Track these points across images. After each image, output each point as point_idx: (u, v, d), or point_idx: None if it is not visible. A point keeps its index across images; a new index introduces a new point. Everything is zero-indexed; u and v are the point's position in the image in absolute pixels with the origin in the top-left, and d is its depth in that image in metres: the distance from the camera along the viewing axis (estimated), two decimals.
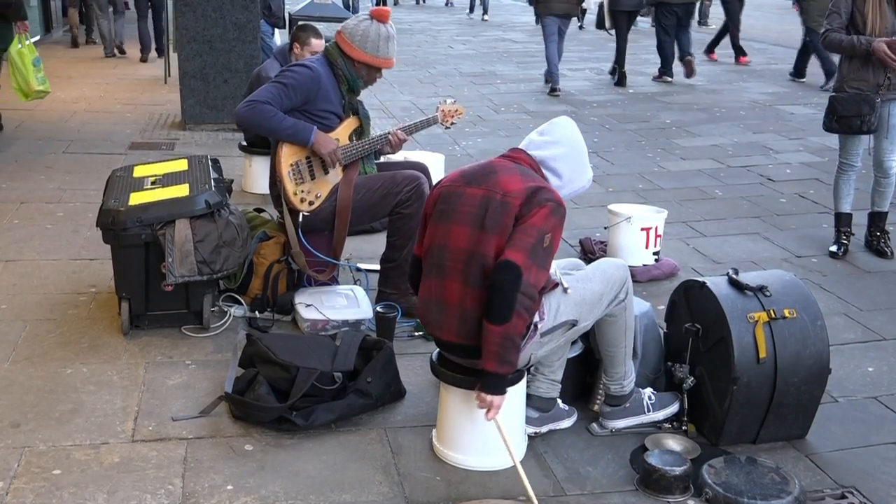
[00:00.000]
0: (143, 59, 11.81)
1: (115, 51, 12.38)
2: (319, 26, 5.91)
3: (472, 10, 19.83)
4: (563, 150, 2.98)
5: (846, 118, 4.89)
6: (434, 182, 4.28)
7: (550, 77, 10.46)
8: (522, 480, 2.77)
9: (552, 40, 10.25)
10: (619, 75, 10.99)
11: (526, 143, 3.04)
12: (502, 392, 2.85)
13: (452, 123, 4.51)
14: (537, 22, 11.36)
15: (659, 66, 11.25)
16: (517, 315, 2.72)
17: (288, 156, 3.93)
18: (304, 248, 4.04)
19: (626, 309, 3.14)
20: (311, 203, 4.00)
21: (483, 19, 19.04)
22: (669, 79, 11.12)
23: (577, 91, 10.62)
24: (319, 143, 3.92)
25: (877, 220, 5.24)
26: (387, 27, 4.02)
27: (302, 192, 3.97)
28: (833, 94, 5.02)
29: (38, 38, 13.07)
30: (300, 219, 4.01)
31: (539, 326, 2.93)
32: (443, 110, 4.49)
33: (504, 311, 2.73)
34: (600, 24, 11.24)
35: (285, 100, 3.86)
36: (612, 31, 10.84)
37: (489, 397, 2.83)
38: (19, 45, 6.79)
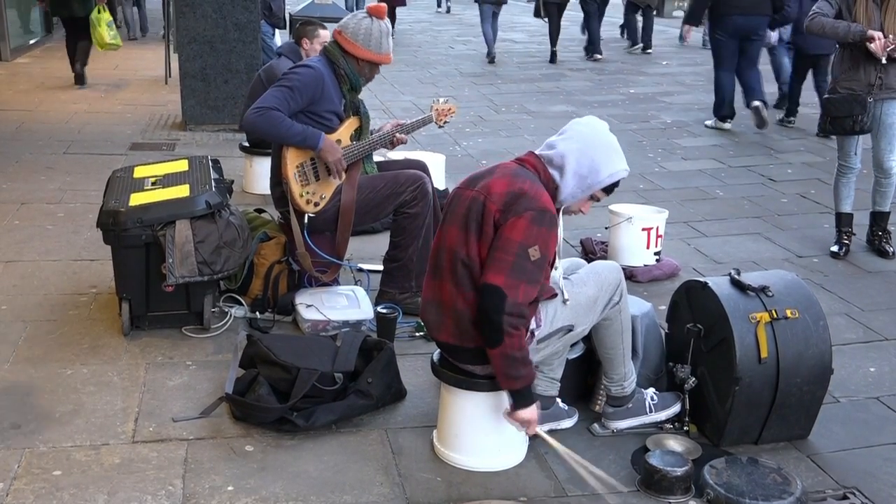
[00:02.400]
0: None
1: (139, 33, 14.61)
2: None
3: (439, 4, 20.33)
4: (571, 145, 2.90)
5: (839, 119, 4.90)
6: (434, 181, 4.31)
7: (488, 48, 12.93)
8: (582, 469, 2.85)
9: (487, 21, 12.82)
10: (550, 54, 12.89)
11: (542, 146, 3.00)
12: (529, 403, 2.86)
13: (445, 122, 4.56)
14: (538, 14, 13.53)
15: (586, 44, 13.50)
16: (508, 336, 2.71)
17: (293, 158, 3.93)
18: (309, 249, 4.04)
19: (621, 311, 3.13)
20: (316, 204, 4.00)
21: (440, 9, 20.46)
22: (600, 56, 13.04)
23: (578, 91, 10.62)
24: (326, 150, 3.93)
25: (878, 219, 5.24)
26: (385, 23, 4.05)
27: (308, 193, 3.97)
28: (826, 96, 5.03)
29: (37, 38, 13.13)
30: (305, 220, 4.02)
31: (536, 333, 2.93)
32: (437, 109, 4.53)
33: (494, 335, 2.73)
34: (537, 13, 13.37)
35: (292, 103, 3.86)
36: (546, 19, 13.05)
37: (520, 413, 2.86)
38: (97, 13, 9.75)
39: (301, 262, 4.07)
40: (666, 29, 17.46)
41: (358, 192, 4.03)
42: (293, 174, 3.92)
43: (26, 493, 2.78)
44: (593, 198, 2.97)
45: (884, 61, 4.73)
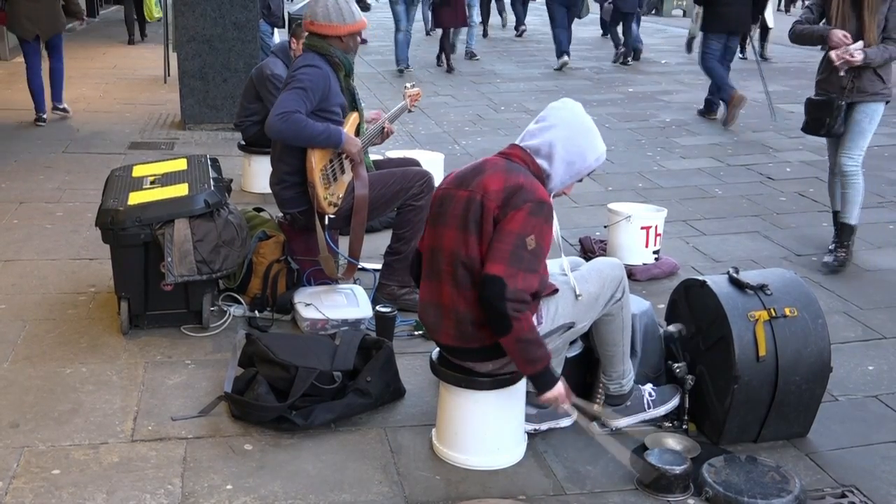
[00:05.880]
0: None
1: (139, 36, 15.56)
2: None
3: None
4: (557, 133, 2.90)
5: (813, 121, 4.89)
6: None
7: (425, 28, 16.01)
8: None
9: (426, 4, 14.69)
10: (483, 30, 15.62)
11: (521, 136, 2.99)
12: (553, 383, 2.86)
13: (415, 105, 4.75)
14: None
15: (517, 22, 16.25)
16: (516, 320, 2.70)
17: (319, 160, 3.91)
18: (331, 251, 4.06)
19: (622, 308, 3.13)
20: (335, 205, 4.02)
21: None
22: (524, 27, 16.08)
23: (577, 90, 10.62)
24: (348, 143, 3.96)
25: (842, 230, 5.00)
26: None
27: (330, 195, 3.98)
28: (808, 97, 4.99)
29: None
30: (326, 222, 4.02)
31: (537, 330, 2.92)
32: (409, 95, 4.69)
33: (502, 323, 2.72)
34: None
35: (308, 104, 3.85)
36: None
37: (548, 395, 2.86)
38: None
39: (324, 265, 4.06)
40: (665, 28, 17.47)
41: (370, 189, 4.04)
42: (319, 178, 3.91)
43: (25, 491, 2.78)
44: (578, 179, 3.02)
45: (841, 73, 4.64)
